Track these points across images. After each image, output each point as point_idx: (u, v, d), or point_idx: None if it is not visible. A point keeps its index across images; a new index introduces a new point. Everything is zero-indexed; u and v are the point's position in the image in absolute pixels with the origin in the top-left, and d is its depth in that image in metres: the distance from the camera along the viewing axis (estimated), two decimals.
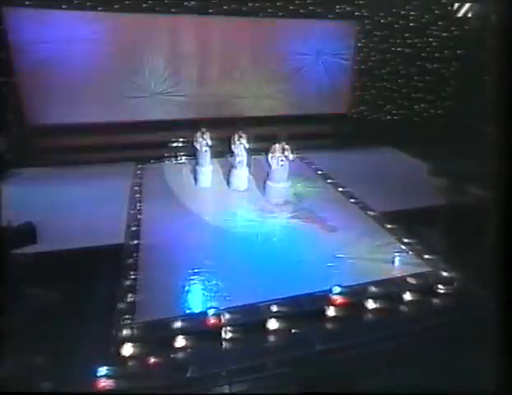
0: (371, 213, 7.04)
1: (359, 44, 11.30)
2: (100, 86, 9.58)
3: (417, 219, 6.62)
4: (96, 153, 9.54)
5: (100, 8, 9.25)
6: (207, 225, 6.59)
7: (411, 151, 10.42)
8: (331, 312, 4.63)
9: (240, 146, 7.68)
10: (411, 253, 5.82)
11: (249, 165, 7.99)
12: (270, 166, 7.34)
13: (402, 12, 11.15)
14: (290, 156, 7.14)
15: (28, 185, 8.04)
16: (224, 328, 4.29)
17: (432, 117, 12.09)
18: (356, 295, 4.86)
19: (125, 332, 4.18)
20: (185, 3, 9.68)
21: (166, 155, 9.87)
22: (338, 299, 4.75)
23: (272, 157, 7.19)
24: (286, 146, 7.12)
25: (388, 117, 12.00)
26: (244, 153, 7.75)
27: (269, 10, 10.33)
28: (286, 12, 10.40)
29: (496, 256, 2.47)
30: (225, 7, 9.91)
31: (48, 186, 8.05)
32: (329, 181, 8.60)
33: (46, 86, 9.17)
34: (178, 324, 4.30)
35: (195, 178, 8.39)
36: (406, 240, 6.09)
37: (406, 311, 4.80)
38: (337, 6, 10.70)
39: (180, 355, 4.08)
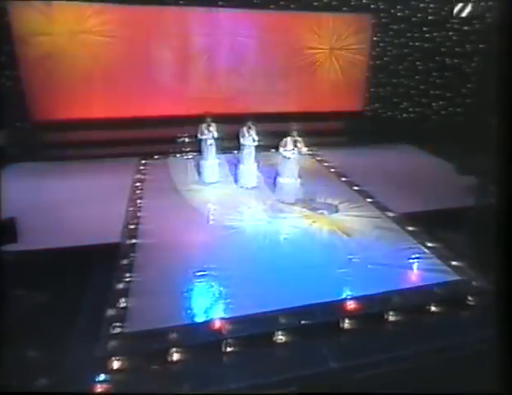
0: (390, 214, 6.60)
1: (374, 39, 10.98)
2: (105, 81, 9.44)
3: (443, 221, 6.12)
4: (100, 148, 9.40)
5: (107, 0, 8.99)
6: (211, 224, 6.23)
7: (429, 150, 10.02)
8: (347, 324, 4.23)
9: (249, 137, 7.26)
10: (436, 259, 5.35)
11: (257, 161, 7.64)
12: (280, 160, 6.94)
13: (421, 5, 10.74)
14: (303, 150, 6.76)
15: (28, 181, 7.79)
16: (225, 341, 3.90)
17: (451, 115, 11.59)
18: (375, 305, 4.46)
19: (113, 343, 3.74)
20: None
21: (171, 150, 9.59)
22: (355, 310, 4.35)
23: (283, 150, 6.79)
24: (299, 139, 6.76)
25: (405, 115, 11.56)
26: (253, 146, 7.35)
27: (281, 2, 10.03)
28: (298, 5, 10.15)
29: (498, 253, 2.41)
30: None
31: (48, 181, 7.84)
32: (343, 179, 8.24)
33: (50, 81, 9.08)
34: (173, 335, 3.88)
35: (200, 173, 8.01)
36: (430, 244, 5.64)
37: (431, 325, 4.33)
38: None
39: (175, 369, 3.69)
